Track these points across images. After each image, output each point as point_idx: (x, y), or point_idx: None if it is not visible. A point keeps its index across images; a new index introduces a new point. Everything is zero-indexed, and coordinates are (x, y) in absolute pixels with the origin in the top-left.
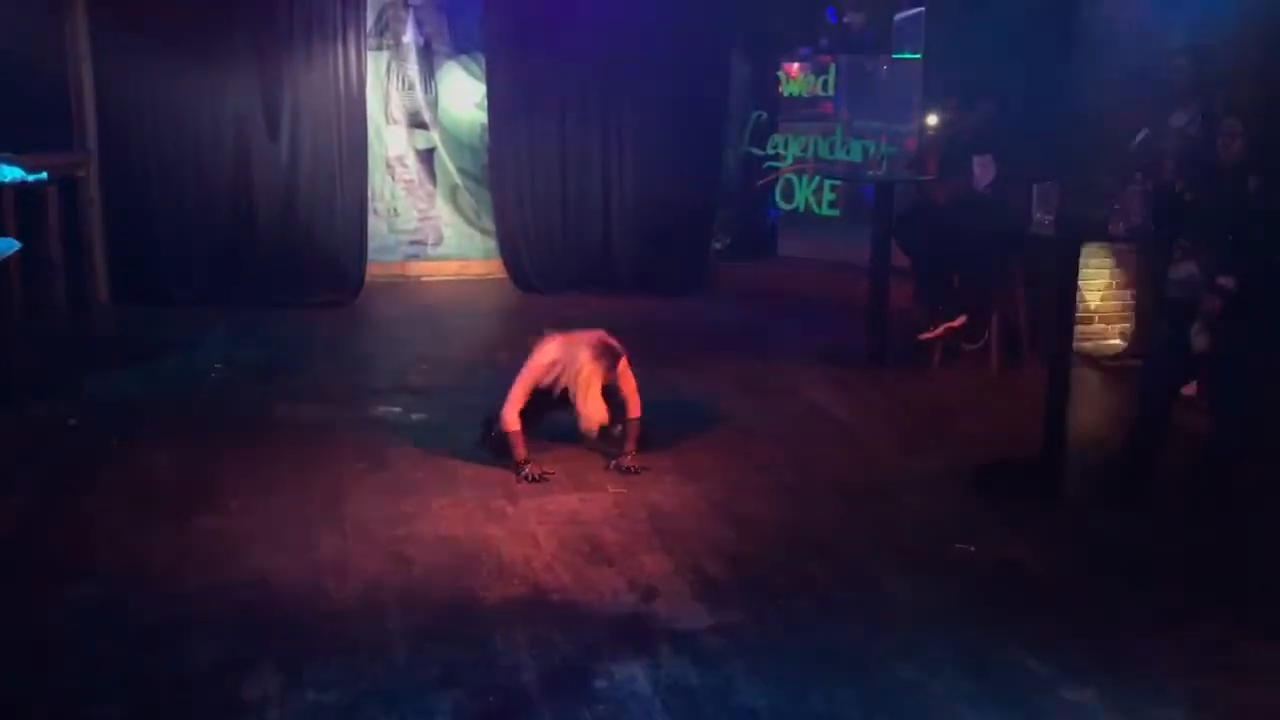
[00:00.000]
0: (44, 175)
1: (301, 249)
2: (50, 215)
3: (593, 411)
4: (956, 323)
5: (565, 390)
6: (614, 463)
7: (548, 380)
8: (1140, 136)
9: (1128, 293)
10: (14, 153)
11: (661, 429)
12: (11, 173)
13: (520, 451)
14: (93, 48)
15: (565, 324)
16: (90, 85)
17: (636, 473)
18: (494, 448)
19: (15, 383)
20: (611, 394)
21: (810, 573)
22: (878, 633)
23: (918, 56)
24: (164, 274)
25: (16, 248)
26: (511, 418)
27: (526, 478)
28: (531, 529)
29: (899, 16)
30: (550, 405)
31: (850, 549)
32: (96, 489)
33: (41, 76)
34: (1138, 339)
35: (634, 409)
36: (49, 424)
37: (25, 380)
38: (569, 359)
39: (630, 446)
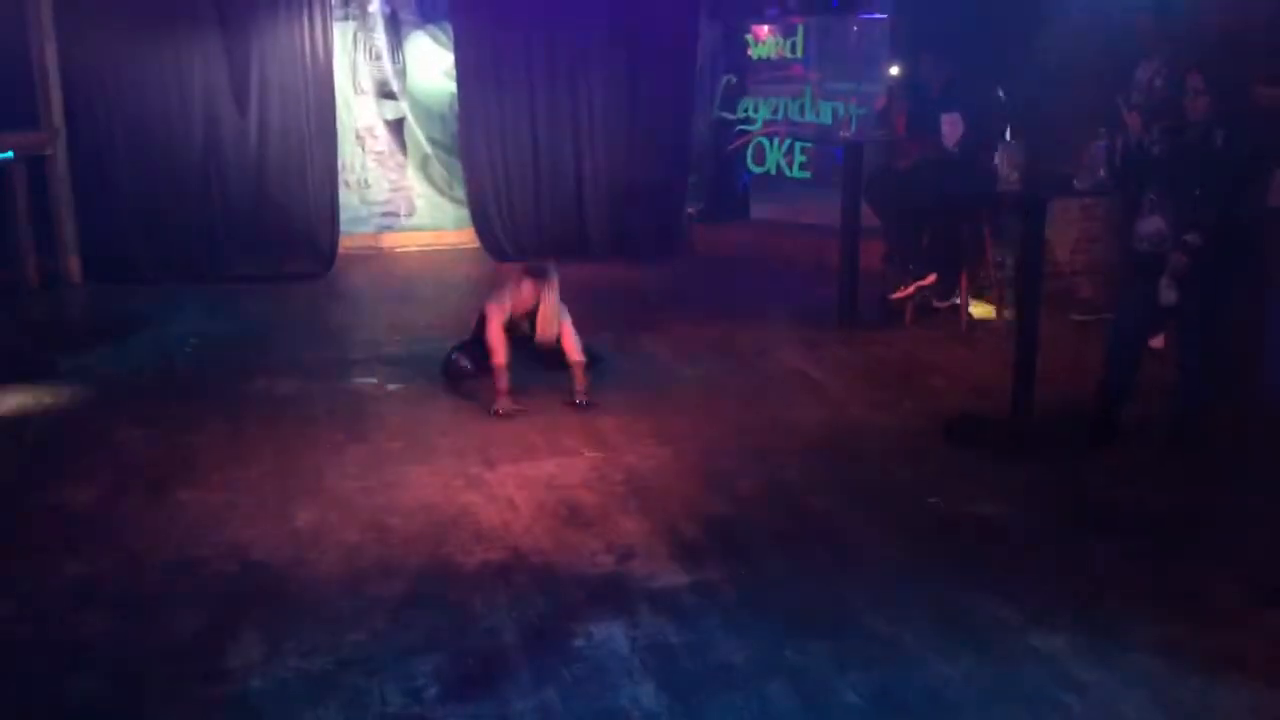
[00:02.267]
0: (10, 154)
1: (273, 222)
2: (18, 194)
3: (545, 328)
4: (927, 281)
5: (524, 326)
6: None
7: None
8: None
9: (1097, 246)
10: None
11: (636, 392)
12: None
13: (503, 384)
14: (57, 24)
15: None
16: (55, 62)
17: (587, 406)
18: (452, 374)
19: None
20: (558, 353)
21: (784, 530)
22: (850, 587)
23: (884, 16)
24: (135, 250)
25: None
26: (498, 348)
27: (497, 411)
28: (509, 494)
29: None
30: (519, 345)
31: (823, 506)
32: (74, 465)
33: (5, 54)
34: (1106, 293)
35: (573, 354)
36: (23, 403)
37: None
38: (515, 294)
39: (579, 386)
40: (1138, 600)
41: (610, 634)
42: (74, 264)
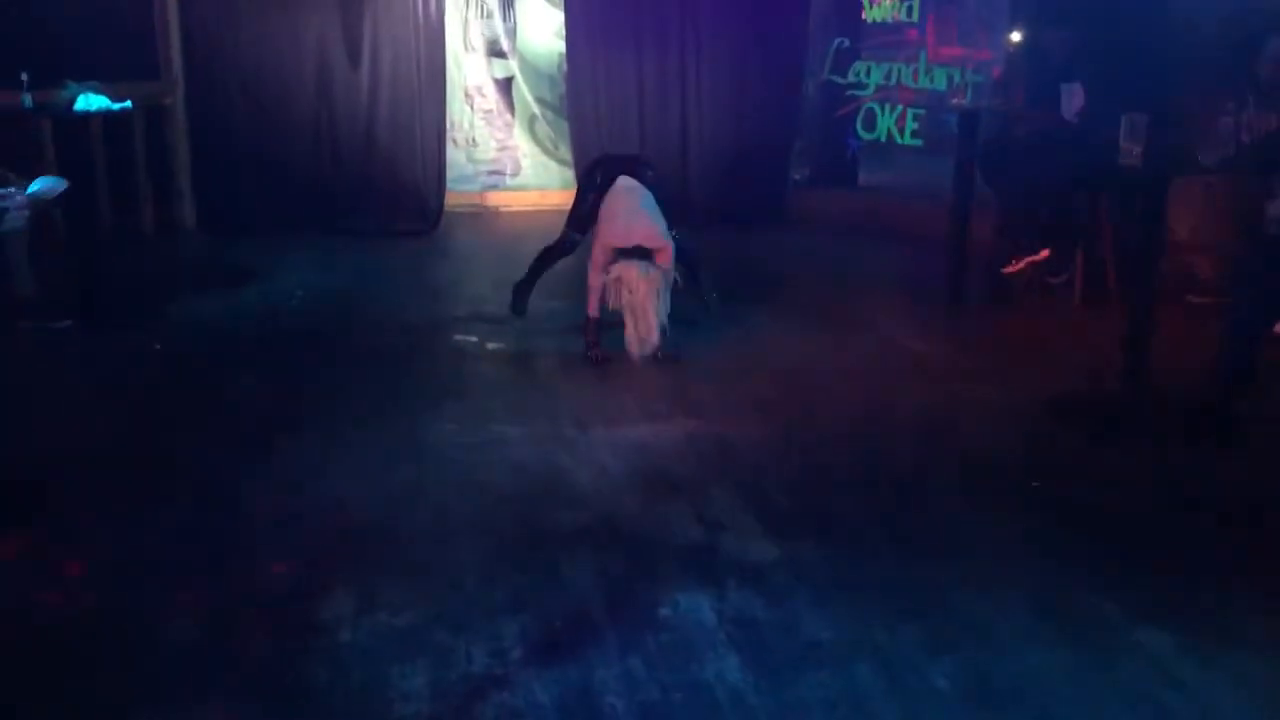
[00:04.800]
0: (129, 104)
1: (381, 178)
2: (136, 143)
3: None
4: (1040, 256)
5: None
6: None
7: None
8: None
9: (1220, 227)
10: (101, 81)
11: (735, 361)
12: (98, 101)
13: (593, 335)
14: None
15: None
16: (175, 13)
17: (599, 362)
18: (517, 305)
19: (103, 308)
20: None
21: (880, 507)
22: (946, 569)
23: None
24: (247, 202)
25: (64, 186)
26: (592, 302)
27: (592, 359)
28: (602, 458)
29: None
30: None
31: (922, 484)
32: (178, 412)
33: (126, 5)
34: (1226, 275)
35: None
36: (135, 349)
37: (112, 306)
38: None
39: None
40: (1245, 596)
41: (697, 605)
42: (188, 213)
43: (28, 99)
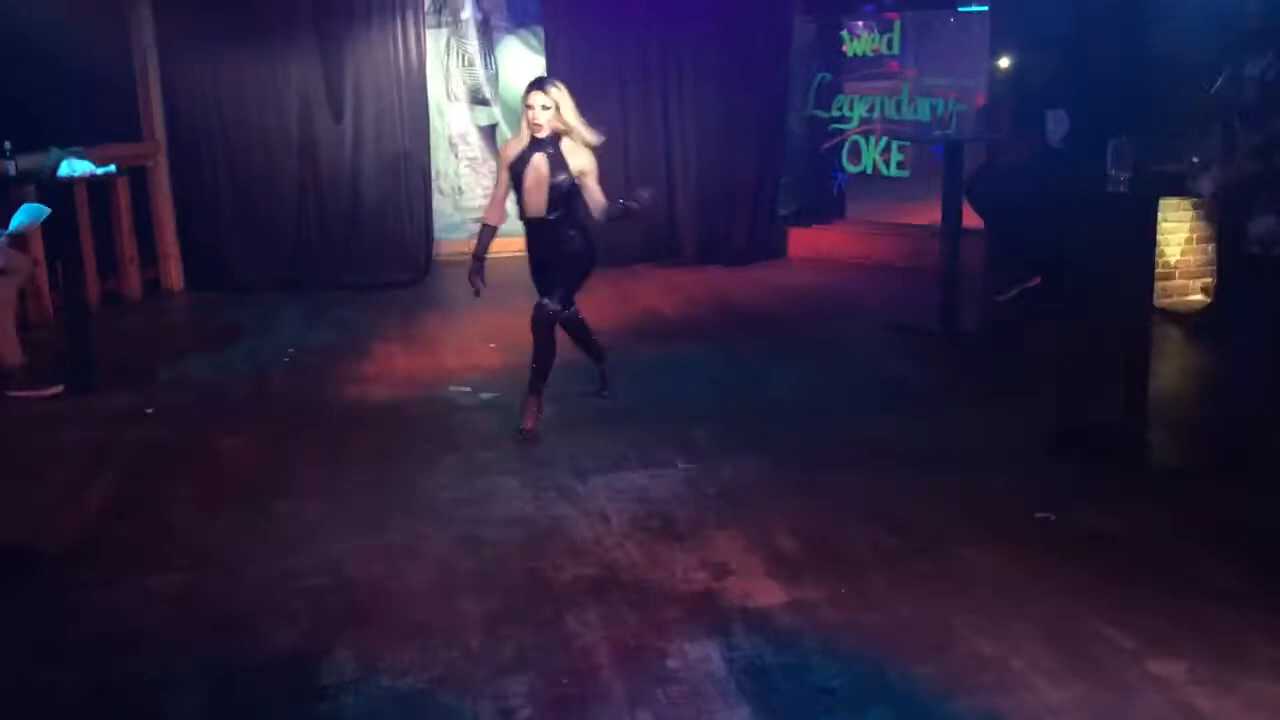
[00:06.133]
0: (113, 168)
1: (368, 231)
2: (121, 206)
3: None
4: (1032, 283)
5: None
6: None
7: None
8: (1219, 81)
9: (1208, 246)
10: (84, 146)
11: (730, 400)
12: (82, 166)
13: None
14: (157, 36)
15: None
16: (156, 75)
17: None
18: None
19: (93, 372)
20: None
21: (885, 546)
22: (955, 607)
23: (984, 9)
24: (234, 259)
25: (46, 214)
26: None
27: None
28: (601, 507)
29: None
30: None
31: (926, 520)
32: (173, 476)
33: (107, 68)
34: (1220, 294)
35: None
36: (126, 412)
37: (103, 369)
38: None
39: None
40: (1257, 623)
41: (705, 654)
42: (175, 273)
43: (11, 166)
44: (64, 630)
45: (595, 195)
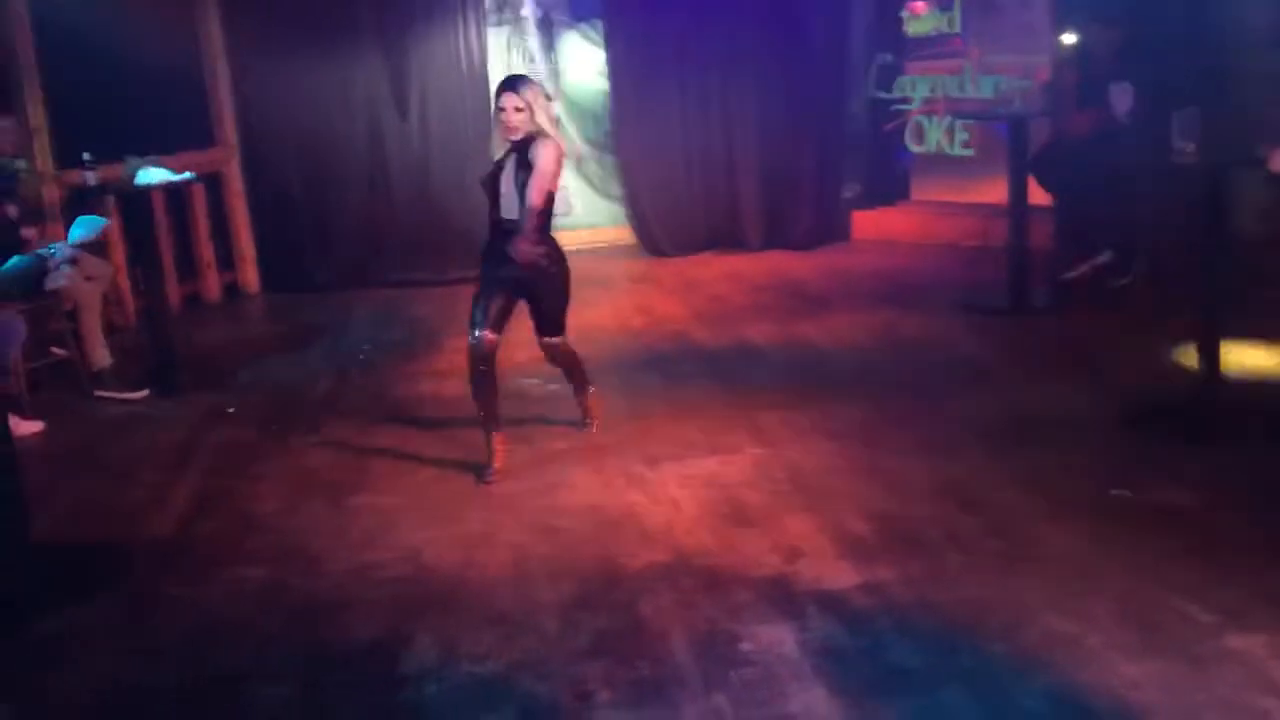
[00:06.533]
0: (191, 175)
1: (436, 227)
2: (198, 212)
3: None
4: (1101, 260)
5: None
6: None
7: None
8: None
9: None
10: (160, 154)
11: (798, 385)
12: (159, 174)
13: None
14: (227, 46)
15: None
16: (227, 83)
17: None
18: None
19: (176, 373)
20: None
21: (958, 525)
22: (1029, 585)
23: None
24: (308, 260)
25: (105, 224)
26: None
27: None
28: (672, 494)
29: None
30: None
31: (998, 499)
32: (256, 473)
33: (180, 78)
34: None
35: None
36: (209, 412)
37: (185, 371)
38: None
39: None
40: None
41: (779, 637)
42: (251, 276)
43: (91, 176)
44: (157, 626)
45: (531, 194)
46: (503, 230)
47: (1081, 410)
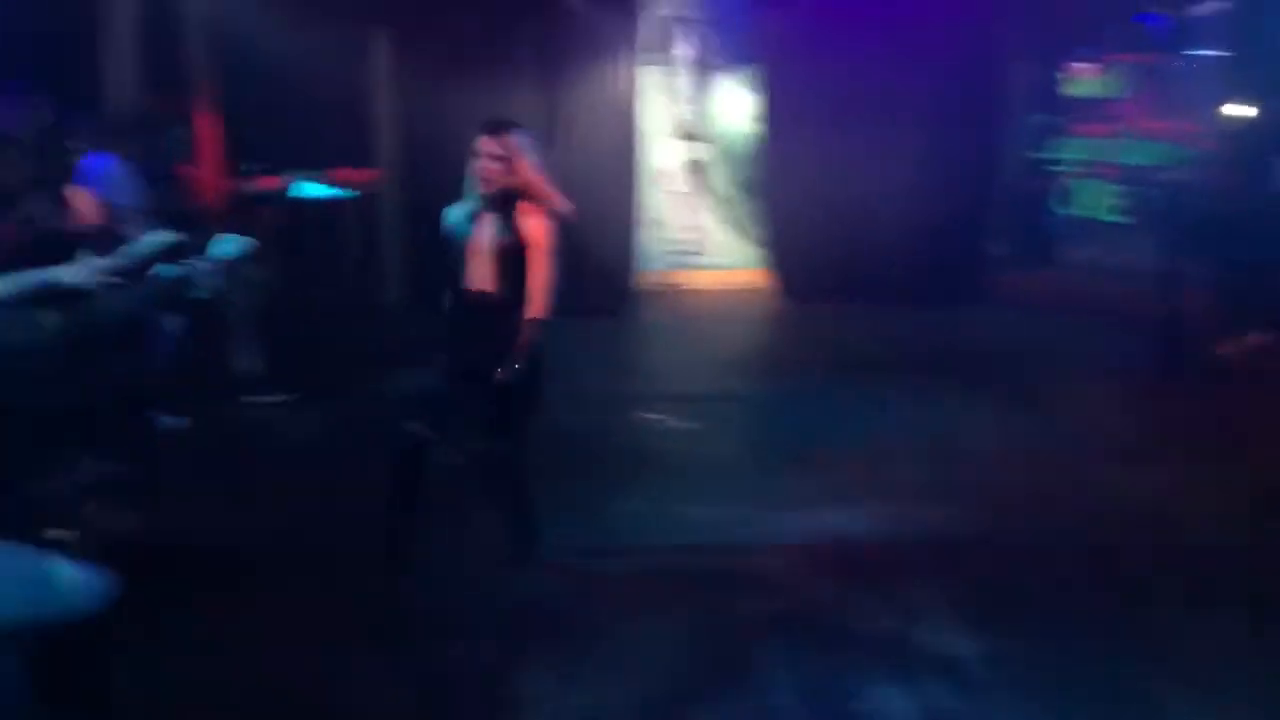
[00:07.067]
0: (352, 192)
1: (573, 258)
2: (350, 226)
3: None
4: (1262, 340)
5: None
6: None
7: None
8: None
9: None
10: (318, 170)
11: (932, 444)
12: (318, 190)
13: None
14: (389, 70)
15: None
16: (388, 106)
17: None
18: None
19: (320, 382)
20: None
21: (1092, 603)
22: (1162, 671)
23: (1214, 53)
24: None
25: (249, 245)
26: None
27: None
28: (791, 543)
29: (1196, 11)
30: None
31: (1136, 579)
32: (384, 485)
33: (343, 98)
34: None
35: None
36: (347, 419)
37: (328, 380)
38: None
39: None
40: None
41: (891, 699)
42: (395, 289)
43: (252, 188)
44: (286, 629)
45: (538, 277)
46: (479, 306)
47: (1227, 491)
